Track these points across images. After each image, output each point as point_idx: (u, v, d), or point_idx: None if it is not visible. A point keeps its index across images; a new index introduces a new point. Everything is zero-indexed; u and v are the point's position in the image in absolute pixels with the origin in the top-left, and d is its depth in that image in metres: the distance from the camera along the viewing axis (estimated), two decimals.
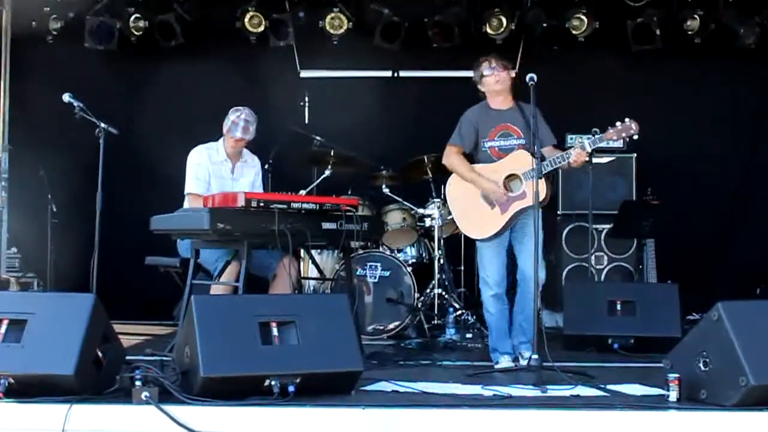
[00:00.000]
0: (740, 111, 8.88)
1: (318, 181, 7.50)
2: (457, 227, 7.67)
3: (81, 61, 8.73)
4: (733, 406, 4.17)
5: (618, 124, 5.58)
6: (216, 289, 5.77)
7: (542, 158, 5.62)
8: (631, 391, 4.80)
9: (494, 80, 5.81)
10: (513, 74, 5.88)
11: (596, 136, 5.62)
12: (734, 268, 8.44)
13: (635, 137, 5.62)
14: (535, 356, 5.13)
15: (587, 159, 5.72)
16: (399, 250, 7.66)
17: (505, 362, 5.69)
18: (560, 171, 5.83)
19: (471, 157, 5.89)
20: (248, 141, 6.27)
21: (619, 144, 8.21)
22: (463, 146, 5.88)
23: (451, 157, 5.91)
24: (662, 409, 4.27)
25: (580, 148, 5.56)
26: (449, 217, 7.54)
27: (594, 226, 7.98)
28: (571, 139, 7.71)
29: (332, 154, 7.45)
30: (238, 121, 6.15)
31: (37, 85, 8.63)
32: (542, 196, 5.53)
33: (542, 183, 5.55)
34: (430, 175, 7.59)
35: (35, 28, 8.57)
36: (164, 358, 4.94)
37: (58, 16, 8.56)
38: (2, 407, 4.09)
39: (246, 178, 6.32)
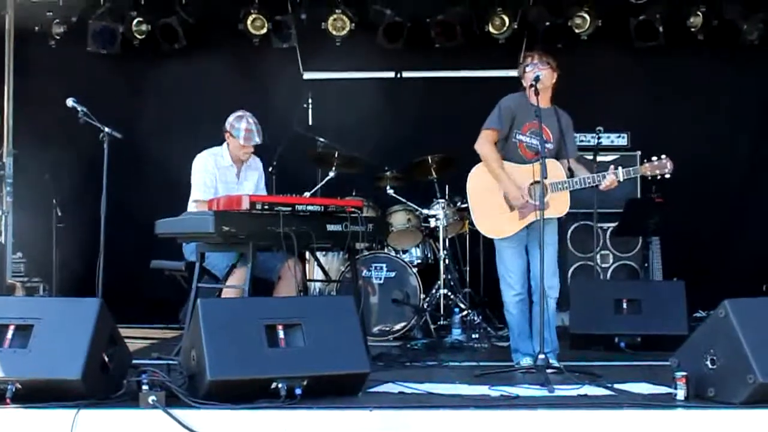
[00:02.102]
0: (744, 107, 8.86)
1: (323, 182, 7.50)
2: (462, 227, 7.72)
3: (84, 64, 8.75)
4: (741, 403, 4.17)
5: (654, 159, 5.64)
6: (225, 293, 5.76)
7: (570, 172, 5.66)
8: (638, 389, 4.79)
9: (533, 76, 5.61)
10: (555, 76, 5.75)
11: (632, 168, 5.68)
12: (740, 265, 8.42)
13: (667, 176, 5.65)
14: (542, 356, 5.14)
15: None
16: (404, 251, 7.65)
17: (526, 363, 5.60)
18: None
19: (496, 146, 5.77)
20: None
21: (623, 141, 8.23)
22: (500, 131, 5.71)
23: (486, 145, 5.72)
24: (670, 408, 4.26)
25: (614, 175, 5.58)
26: (454, 218, 7.56)
27: (599, 224, 7.99)
28: (575, 138, 7.68)
29: (336, 155, 7.45)
30: (251, 127, 6.13)
31: (41, 89, 8.63)
32: (564, 209, 5.62)
33: (565, 196, 5.60)
34: (435, 176, 7.58)
35: (38, 32, 8.59)
36: (171, 362, 4.93)
37: (60, 21, 8.58)
38: (10, 412, 4.09)
39: (250, 182, 6.32)
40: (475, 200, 5.81)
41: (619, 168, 5.64)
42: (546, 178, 5.40)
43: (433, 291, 7.46)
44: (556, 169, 5.59)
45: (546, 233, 5.59)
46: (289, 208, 5.39)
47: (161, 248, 6.35)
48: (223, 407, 4.12)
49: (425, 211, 7.57)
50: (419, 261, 7.66)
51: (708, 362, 4.36)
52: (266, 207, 5.30)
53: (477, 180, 5.80)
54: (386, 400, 4.49)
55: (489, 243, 5.94)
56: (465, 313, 7.31)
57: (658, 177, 5.65)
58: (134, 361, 4.83)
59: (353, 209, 5.71)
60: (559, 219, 5.77)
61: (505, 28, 8.54)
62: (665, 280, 7.88)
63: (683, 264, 7.98)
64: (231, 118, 6.19)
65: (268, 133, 6.33)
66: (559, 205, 5.60)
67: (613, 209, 7.88)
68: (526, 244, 5.72)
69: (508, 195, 5.63)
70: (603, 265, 8.24)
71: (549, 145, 5.66)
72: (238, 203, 5.25)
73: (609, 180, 5.59)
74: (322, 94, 8.36)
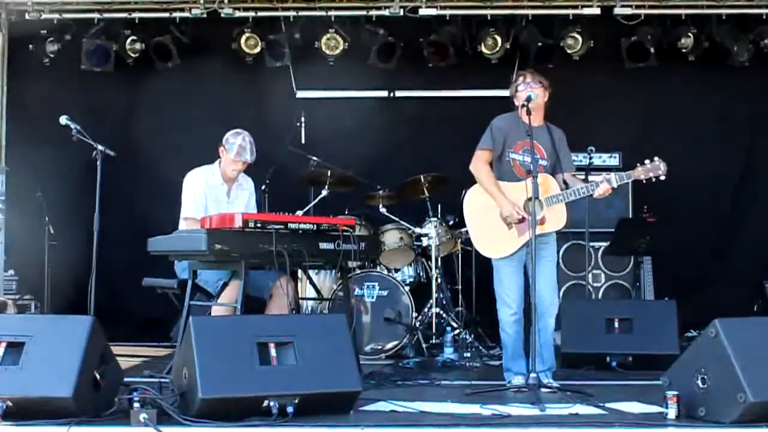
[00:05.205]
0: (734, 127, 8.90)
1: (315, 201, 7.51)
2: (454, 246, 7.73)
3: (78, 82, 8.75)
4: (731, 422, 4.18)
5: (647, 162, 5.59)
6: (217, 311, 5.76)
7: (565, 185, 5.67)
8: (629, 408, 4.80)
9: (525, 96, 5.61)
10: (547, 95, 5.76)
11: (625, 173, 5.63)
12: (731, 285, 8.44)
13: (662, 178, 5.58)
14: (533, 375, 5.14)
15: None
16: (396, 270, 7.66)
17: (517, 382, 5.57)
18: None
19: (490, 166, 5.78)
20: None
21: (615, 161, 8.25)
22: (493, 150, 5.72)
23: (480, 164, 5.73)
24: (661, 427, 4.28)
25: (607, 183, 5.57)
26: (446, 237, 7.57)
27: (591, 243, 7.99)
28: (570, 152, 7.72)
29: (329, 174, 7.47)
30: (245, 144, 6.15)
31: (34, 106, 8.65)
32: (562, 222, 5.61)
33: (562, 209, 5.60)
34: (427, 195, 7.59)
35: (32, 50, 8.60)
36: (162, 380, 4.92)
37: (54, 39, 8.59)
38: (1, 430, 4.08)
39: (241, 201, 6.32)
40: (472, 222, 5.82)
41: (612, 174, 5.62)
42: (538, 195, 5.41)
43: (426, 310, 7.46)
44: (549, 184, 5.61)
45: (546, 250, 5.61)
46: (282, 226, 5.40)
47: (154, 265, 6.34)
48: (214, 425, 4.12)
49: (417, 230, 7.59)
50: (411, 280, 7.67)
51: (699, 381, 4.38)
52: (259, 225, 5.31)
53: (472, 202, 5.81)
54: (378, 419, 4.49)
55: (481, 262, 5.95)
56: (457, 331, 7.31)
57: (653, 180, 5.57)
58: (126, 379, 4.82)
59: (346, 228, 5.73)
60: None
61: (497, 49, 8.58)
62: (656, 300, 7.88)
63: (675, 283, 8.01)
64: (228, 134, 6.22)
65: (261, 152, 6.34)
66: (556, 219, 5.60)
67: (605, 228, 7.91)
68: (525, 263, 5.70)
69: (503, 212, 5.62)
70: (595, 285, 8.25)
71: (543, 162, 5.66)
72: (230, 221, 5.26)
73: (603, 188, 5.57)
74: (315, 113, 8.39)
